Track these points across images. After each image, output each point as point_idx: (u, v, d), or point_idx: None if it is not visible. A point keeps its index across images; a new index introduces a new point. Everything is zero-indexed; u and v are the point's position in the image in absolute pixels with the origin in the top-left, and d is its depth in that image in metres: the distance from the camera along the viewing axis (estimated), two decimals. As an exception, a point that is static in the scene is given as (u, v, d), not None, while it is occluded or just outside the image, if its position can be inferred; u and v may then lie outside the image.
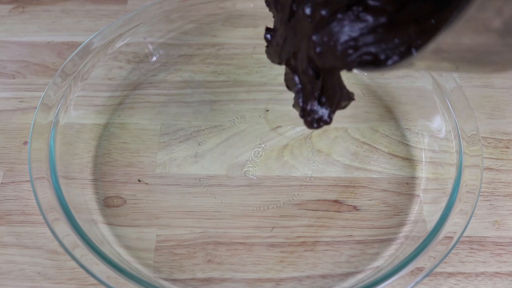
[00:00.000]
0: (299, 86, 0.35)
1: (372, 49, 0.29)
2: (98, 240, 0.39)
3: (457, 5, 0.23)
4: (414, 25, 0.29)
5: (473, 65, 0.28)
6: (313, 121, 0.34)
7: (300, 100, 0.34)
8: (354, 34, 0.30)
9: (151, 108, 0.49)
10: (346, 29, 0.30)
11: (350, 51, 0.30)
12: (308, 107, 0.34)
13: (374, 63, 0.29)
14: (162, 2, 0.52)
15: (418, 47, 0.27)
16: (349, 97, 0.35)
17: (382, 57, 0.29)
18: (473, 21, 0.23)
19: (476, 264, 0.40)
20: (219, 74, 0.52)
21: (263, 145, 0.46)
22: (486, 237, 0.42)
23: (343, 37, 0.30)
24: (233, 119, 0.48)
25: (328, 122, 0.34)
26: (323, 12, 0.30)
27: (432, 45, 0.24)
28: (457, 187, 0.40)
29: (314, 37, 0.30)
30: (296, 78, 0.35)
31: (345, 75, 0.53)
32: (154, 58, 0.52)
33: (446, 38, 0.24)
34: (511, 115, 0.49)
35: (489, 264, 0.40)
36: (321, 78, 0.34)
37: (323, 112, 0.34)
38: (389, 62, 0.29)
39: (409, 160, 0.46)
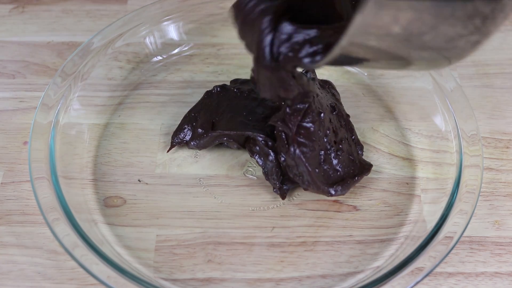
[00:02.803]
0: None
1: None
2: (98, 240, 0.39)
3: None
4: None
5: (391, 64, 0.30)
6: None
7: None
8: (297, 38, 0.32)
9: (151, 108, 0.49)
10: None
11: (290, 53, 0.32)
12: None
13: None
14: (162, 2, 0.52)
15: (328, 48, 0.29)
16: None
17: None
18: (371, 27, 0.24)
19: (476, 264, 0.40)
20: (219, 74, 0.52)
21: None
22: (486, 237, 0.42)
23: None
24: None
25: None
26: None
27: (337, 50, 0.26)
28: (457, 187, 0.40)
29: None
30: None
31: (345, 75, 0.53)
32: (154, 58, 0.52)
33: (353, 40, 0.25)
34: (511, 115, 0.49)
35: (489, 264, 0.40)
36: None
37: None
38: (312, 60, 0.31)
39: (409, 160, 0.46)
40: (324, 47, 0.30)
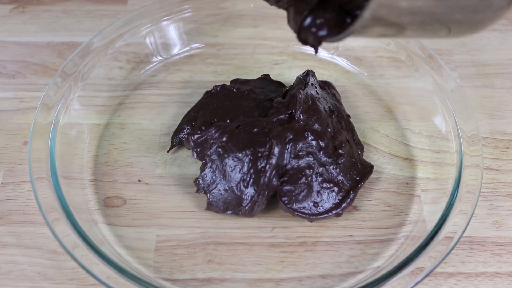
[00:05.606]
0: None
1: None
2: (98, 240, 0.39)
3: None
4: None
5: (425, 30, 0.29)
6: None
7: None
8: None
9: (151, 108, 0.49)
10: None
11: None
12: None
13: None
14: (162, 2, 0.52)
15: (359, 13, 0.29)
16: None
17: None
18: None
19: (476, 264, 0.40)
20: (219, 74, 0.52)
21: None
22: (486, 237, 0.42)
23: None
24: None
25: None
26: None
27: (370, 9, 0.25)
28: (457, 187, 0.40)
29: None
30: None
31: (345, 75, 0.53)
32: (154, 58, 0.52)
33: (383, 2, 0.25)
34: (511, 115, 0.49)
35: (489, 264, 0.40)
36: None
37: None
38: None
39: (409, 160, 0.46)
40: (352, 20, 0.31)
